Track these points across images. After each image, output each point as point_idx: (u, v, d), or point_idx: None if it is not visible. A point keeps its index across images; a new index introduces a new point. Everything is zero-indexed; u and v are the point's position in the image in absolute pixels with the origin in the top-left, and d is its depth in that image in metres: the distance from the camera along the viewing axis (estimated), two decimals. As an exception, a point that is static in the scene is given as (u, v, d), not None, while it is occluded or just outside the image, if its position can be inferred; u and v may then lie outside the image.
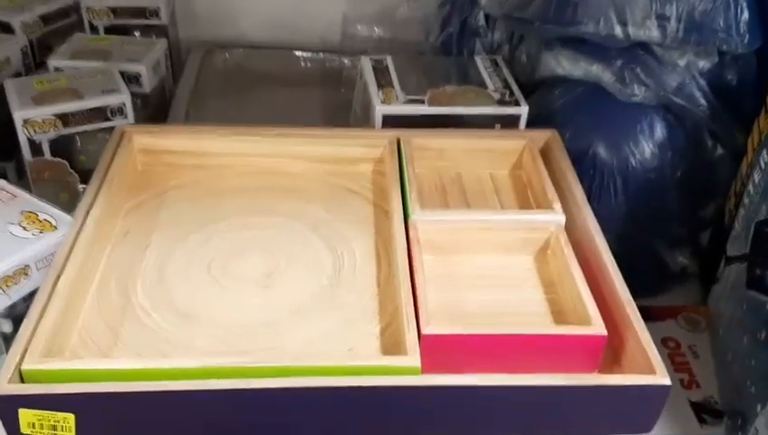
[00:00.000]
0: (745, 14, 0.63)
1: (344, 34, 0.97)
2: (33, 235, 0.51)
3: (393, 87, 0.68)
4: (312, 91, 0.93)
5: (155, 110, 0.79)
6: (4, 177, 0.78)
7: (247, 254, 0.52)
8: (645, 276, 0.70)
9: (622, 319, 0.45)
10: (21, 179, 0.81)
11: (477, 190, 0.59)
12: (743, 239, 0.59)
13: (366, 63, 0.72)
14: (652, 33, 0.63)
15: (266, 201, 0.57)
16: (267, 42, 0.99)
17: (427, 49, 0.89)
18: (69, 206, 0.72)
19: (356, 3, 0.96)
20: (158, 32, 0.92)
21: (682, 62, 0.65)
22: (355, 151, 0.60)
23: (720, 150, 0.67)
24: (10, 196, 0.55)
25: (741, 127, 0.66)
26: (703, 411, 0.58)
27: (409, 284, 0.46)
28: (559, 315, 0.48)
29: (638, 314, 0.45)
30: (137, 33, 0.92)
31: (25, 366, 0.39)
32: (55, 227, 0.52)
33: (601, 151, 0.65)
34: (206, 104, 0.85)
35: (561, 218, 0.52)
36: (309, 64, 0.97)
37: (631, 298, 0.46)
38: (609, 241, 0.53)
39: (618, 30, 0.63)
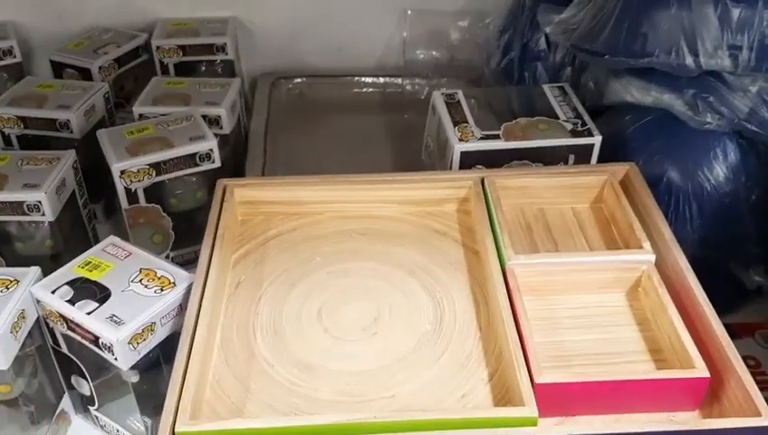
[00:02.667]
0: (815, 38, 0.64)
1: (405, 58, 1.00)
2: (155, 292, 0.55)
3: (468, 123, 0.71)
4: (376, 117, 0.96)
5: (233, 148, 0.83)
6: (95, 216, 0.82)
7: (352, 301, 0.55)
8: (721, 295, 0.72)
9: (721, 358, 0.47)
10: (108, 219, 0.86)
11: (562, 226, 0.61)
12: (821, 263, 0.61)
13: (438, 99, 0.74)
14: (724, 62, 0.65)
15: (361, 246, 0.60)
16: (326, 69, 1.02)
17: (487, 72, 0.91)
18: (162, 246, 0.77)
19: (414, 27, 0.99)
20: (224, 66, 0.95)
21: (753, 88, 0.66)
22: (441, 193, 0.63)
23: (793, 172, 0.68)
24: (126, 253, 0.59)
25: (814, 148, 0.67)
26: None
27: (515, 328, 0.49)
28: (657, 354, 0.50)
29: (737, 353, 0.47)
30: (203, 68, 0.96)
31: (179, 429, 0.43)
32: (173, 284, 0.56)
33: (676, 178, 0.67)
34: (278, 138, 0.89)
35: (652, 257, 0.54)
36: (370, 90, 1.00)
37: (728, 336, 0.49)
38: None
39: (689, 60, 0.65)
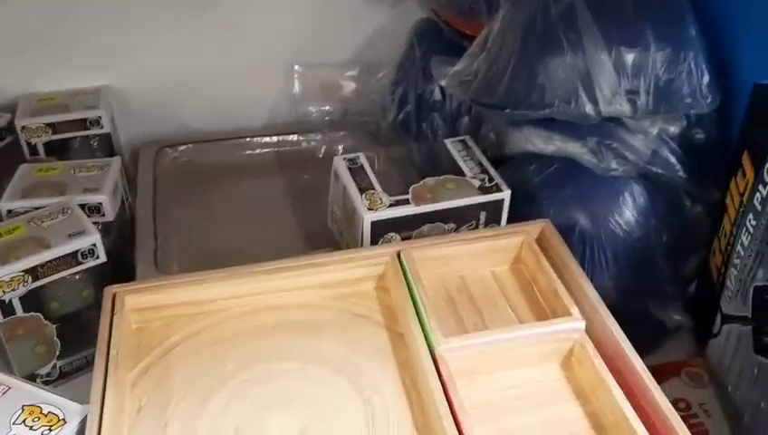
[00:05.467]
0: (706, 77, 0.65)
1: (297, 114, 0.95)
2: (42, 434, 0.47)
3: (374, 190, 0.67)
4: (273, 179, 0.91)
5: (119, 234, 0.76)
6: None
7: (274, 412, 0.50)
8: (642, 336, 0.72)
9: (665, 428, 0.46)
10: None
11: (484, 295, 0.59)
12: (739, 300, 0.61)
13: (341, 165, 0.70)
14: (623, 107, 0.64)
15: (276, 342, 0.55)
16: (214, 132, 0.96)
17: (384, 126, 0.88)
18: (47, 356, 0.68)
19: (303, 82, 0.95)
20: (100, 139, 0.88)
21: (653, 130, 0.67)
22: (357, 272, 0.59)
23: (698, 208, 0.69)
24: (4, 388, 0.51)
25: (715, 183, 0.68)
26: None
27: (453, 424, 0.45)
28: (601, 431, 0.48)
29: (682, 422, 0.46)
30: (77, 145, 0.87)
31: None
32: (64, 420, 0.48)
33: (587, 226, 0.66)
34: (168, 215, 0.81)
35: (582, 324, 0.52)
36: (264, 150, 0.95)
37: (669, 404, 0.47)
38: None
39: (589, 108, 0.64)
